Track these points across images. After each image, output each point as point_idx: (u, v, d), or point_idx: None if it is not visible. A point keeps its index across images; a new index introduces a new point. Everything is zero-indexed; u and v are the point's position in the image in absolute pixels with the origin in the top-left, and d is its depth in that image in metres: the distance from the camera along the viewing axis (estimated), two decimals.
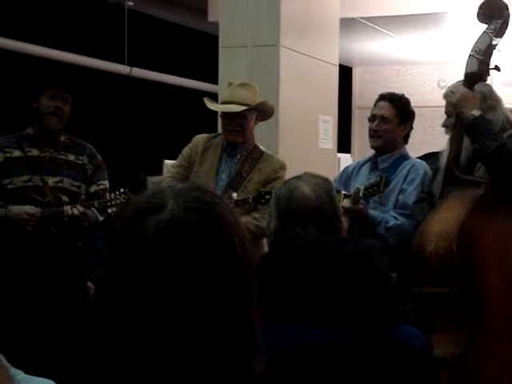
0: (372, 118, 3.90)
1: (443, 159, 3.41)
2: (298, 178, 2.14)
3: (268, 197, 3.55)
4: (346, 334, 1.75)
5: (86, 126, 8.17)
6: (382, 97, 3.94)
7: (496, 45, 3.18)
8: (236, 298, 1.02)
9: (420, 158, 5.50)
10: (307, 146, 5.02)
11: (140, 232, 1.01)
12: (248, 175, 3.79)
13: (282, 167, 3.85)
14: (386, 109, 3.86)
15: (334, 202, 2.10)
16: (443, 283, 2.94)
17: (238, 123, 3.78)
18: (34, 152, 3.83)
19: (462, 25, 6.75)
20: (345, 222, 2.22)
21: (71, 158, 3.87)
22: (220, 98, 4.02)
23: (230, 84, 3.89)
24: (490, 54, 3.19)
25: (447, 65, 8.33)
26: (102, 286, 1.04)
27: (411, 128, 3.95)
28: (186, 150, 3.94)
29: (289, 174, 2.27)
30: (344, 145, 7.60)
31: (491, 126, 3.13)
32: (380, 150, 3.89)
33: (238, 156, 3.85)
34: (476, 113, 3.13)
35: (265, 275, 1.57)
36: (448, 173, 3.19)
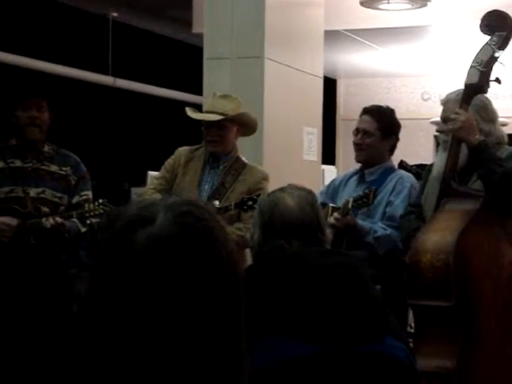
0: (356, 132, 3.91)
1: (434, 171, 3.42)
2: (281, 189, 2.14)
3: (250, 203, 3.57)
4: (330, 347, 1.74)
5: (69, 137, 8.13)
6: (366, 111, 3.95)
7: (498, 57, 3.15)
8: (223, 315, 1.01)
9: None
10: (291, 157, 5.03)
11: (129, 245, 1.01)
12: (231, 186, 3.81)
13: (265, 178, 3.87)
14: (368, 123, 3.86)
15: (318, 214, 2.10)
16: (438, 296, 2.94)
17: (217, 133, 3.80)
18: (17, 163, 3.81)
19: (446, 38, 6.80)
20: (329, 234, 2.21)
21: (54, 168, 3.85)
22: (203, 109, 4.04)
23: (214, 95, 3.92)
24: (492, 66, 3.16)
25: (431, 77, 8.38)
26: (88, 299, 1.03)
27: (397, 140, 3.95)
28: (168, 162, 3.96)
29: (273, 186, 2.27)
30: (328, 157, 7.62)
31: (493, 150, 3.15)
32: (365, 163, 3.91)
33: (221, 167, 3.86)
34: (479, 138, 3.14)
35: (248, 288, 1.56)
36: (445, 184, 3.19)
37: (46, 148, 3.87)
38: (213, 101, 3.87)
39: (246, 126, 3.91)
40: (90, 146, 9.09)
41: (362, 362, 1.77)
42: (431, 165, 3.62)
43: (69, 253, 4.11)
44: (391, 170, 3.92)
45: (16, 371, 3.40)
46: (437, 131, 3.50)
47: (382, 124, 3.87)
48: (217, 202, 3.66)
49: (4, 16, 8.11)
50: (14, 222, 3.68)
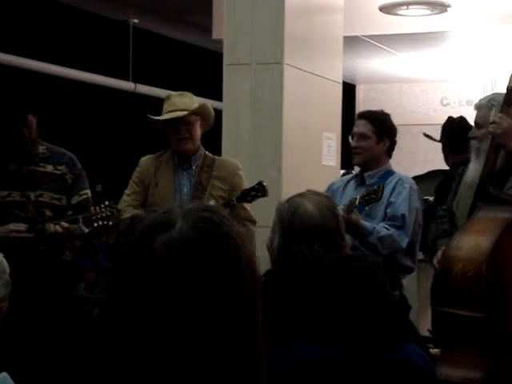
0: (352, 136, 3.99)
1: (468, 178, 3.41)
2: (300, 195, 2.15)
3: (253, 193, 3.63)
4: (349, 352, 1.75)
5: (90, 142, 8.18)
6: (359, 115, 4.04)
7: None
8: (241, 320, 1.02)
9: (424, 175, 5.55)
10: (311, 163, 5.03)
11: (149, 250, 1.02)
12: (208, 183, 3.83)
13: (238, 167, 3.92)
14: (363, 126, 3.94)
15: (337, 220, 2.11)
16: (468, 306, 2.90)
17: (186, 130, 3.81)
18: (12, 166, 3.69)
19: (465, 43, 6.78)
20: (348, 239, 2.22)
21: (49, 169, 3.72)
22: (162, 112, 4.00)
23: (169, 96, 3.94)
24: None
25: (450, 83, 8.35)
26: (108, 304, 1.04)
27: (393, 143, 3.99)
28: (135, 176, 3.93)
29: (292, 191, 2.27)
30: (347, 162, 7.61)
31: None
32: (362, 167, 3.97)
33: (194, 167, 3.87)
34: None
35: (268, 292, 1.58)
36: (481, 189, 3.17)
37: (40, 149, 3.74)
38: (171, 101, 3.89)
39: (207, 118, 3.91)
40: (111, 151, 9.14)
41: (381, 367, 1.78)
42: (463, 170, 3.61)
43: (88, 256, 4.09)
44: (390, 173, 3.97)
45: (23, 370, 3.40)
46: (469, 137, 3.47)
47: (377, 127, 3.93)
48: (212, 202, 3.68)
49: (24, 22, 8.18)
50: (21, 226, 3.59)
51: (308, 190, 2.19)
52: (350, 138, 4.04)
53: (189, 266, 1.01)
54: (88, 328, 3.60)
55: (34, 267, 3.62)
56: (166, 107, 3.93)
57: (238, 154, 4.46)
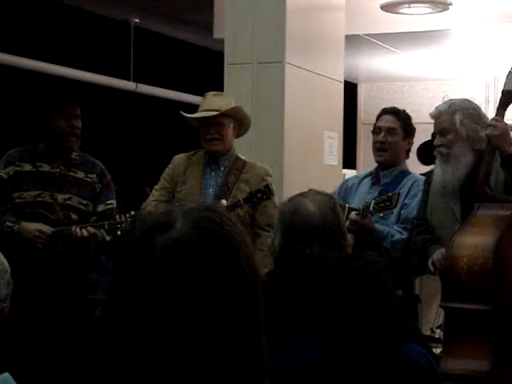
0: (377, 131, 3.91)
1: (437, 184, 3.44)
2: (302, 194, 2.15)
3: (260, 195, 3.60)
4: (351, 352, 1.75)
5: (91, 142, 8.18)
6: (386, 111, 3.98)
7: None
8: (242, 319, 1.02)
9: (425, 174, 5.53)
10: (312, 162, 5.03)
11: (148, 250, 1.02)
12: (234, 185, 3.79)
13: (267, 173, 3.88)
14: (391, 121, 3.89)
15: (339, 219, 2.11)
16: (475, 300, 2.93)
17: (216, 130, 3.80)
18: (45, 167, 3.81)
19: (466, 41, 6.77)
20: (350, 238, 2.22)
21: (80, 175, 3.85)
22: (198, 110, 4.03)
23: (205, 95, 3.93)
24: None
25: (452, 81, 8.35)
26: (109, 304, 1.04)
27: (412, 143, 3.98)
28: (167, 172, 3.95)
29: (293, 191, 2.27)
30: (349, 161, 7.61)
31: None
32: (385, 165, 3.90)
33: (222, 168, 3.85)
34: None
35: (269, 292, 1.57)
36: (478, 190, 3.18)
37: (73, 154, 3.87)
38: (206, 100, 3.88)
39: (241, 121, 3.89)
40: (111, 150, 9.15)
41: (383, 367, 1.77)
42: (429, 176, 3.61)
43: (89, 257, 4.13)
44: (406, 172, 3.93)
45: (28, 370, 3.41)
46: (435, 145, 3.49)
47: (404, 124, 3.91)
48: (224, 201, 3.66)
49: (25, 22, 8.19)
50: (49, 230, 3.68)
51: (310, 190, 2.19)
52: (373, 132, 3.95)
53: (189, 265, 1.00)
54: (90, 329, 3.61)
55: (51, 267, 3.68)
56: (200, 106, 3.93)
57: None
